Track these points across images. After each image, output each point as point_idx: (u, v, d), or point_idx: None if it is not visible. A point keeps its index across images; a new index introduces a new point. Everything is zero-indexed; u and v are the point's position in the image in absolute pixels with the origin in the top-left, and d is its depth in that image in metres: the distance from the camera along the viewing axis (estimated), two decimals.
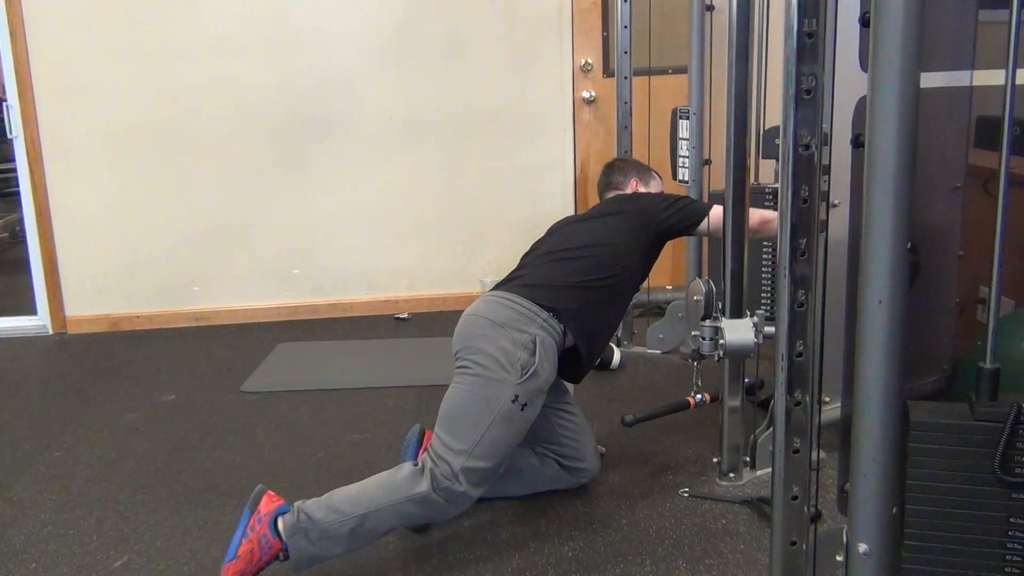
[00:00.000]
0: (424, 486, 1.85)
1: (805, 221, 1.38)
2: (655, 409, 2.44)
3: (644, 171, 2.60)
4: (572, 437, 2.20)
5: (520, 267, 2.21)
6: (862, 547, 1.32)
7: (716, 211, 2.22)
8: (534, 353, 1.94)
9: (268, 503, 1.84)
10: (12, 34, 3.65)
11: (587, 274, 2.10)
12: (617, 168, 2.60)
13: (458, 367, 1.99)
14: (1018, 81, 1.29)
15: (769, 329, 1.67)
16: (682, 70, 3.16)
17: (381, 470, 1.94)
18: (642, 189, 2.52)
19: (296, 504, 1.85)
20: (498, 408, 1.90)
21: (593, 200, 4.02)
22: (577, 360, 2.11)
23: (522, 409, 1.92)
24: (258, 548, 1.79)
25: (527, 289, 2.05)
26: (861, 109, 1.75)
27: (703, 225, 2.24)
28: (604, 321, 2.16)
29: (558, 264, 2.14)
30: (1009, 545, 1.42)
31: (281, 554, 1.81)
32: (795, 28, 1.33)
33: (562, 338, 2.03)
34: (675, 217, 2.26)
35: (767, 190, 2.79)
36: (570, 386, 2.33)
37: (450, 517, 1.99)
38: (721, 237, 2.14)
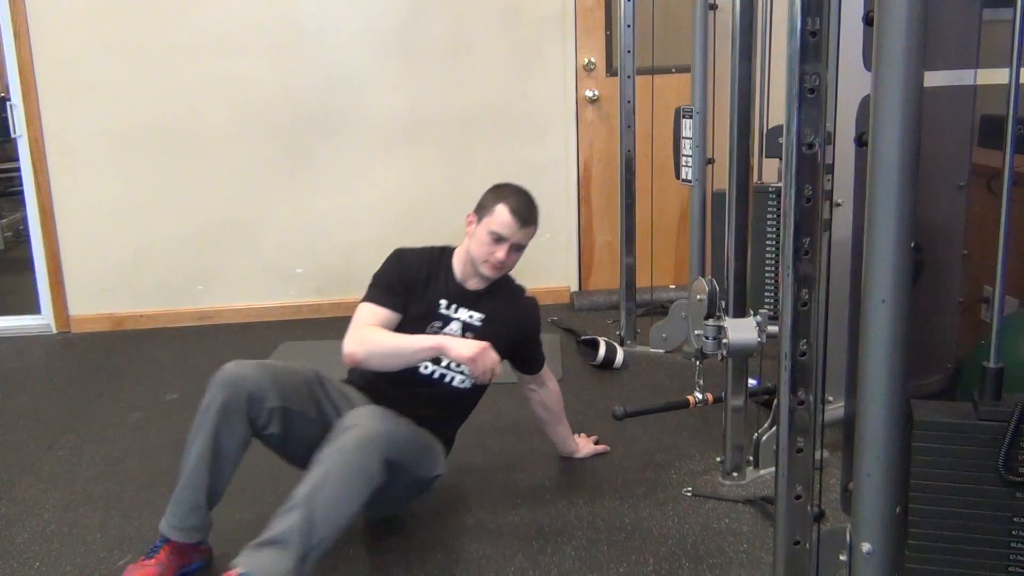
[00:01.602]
0: None
1: (808, 220, 1.38)
2: (648, 405, 2.42)
3: (483, 205, 2.24)
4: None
5: None
6: (866, 546, 1.32)
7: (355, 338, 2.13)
8: None
9: None
10: (16, 33, 3.65)
11: None
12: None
13: None
14: (1022, 80, 1.29)
15: (772, 328, 1.67)
16: (685, 69, 3.16)
17: None
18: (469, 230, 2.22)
19: None
20: None
21: (595, 198, 4.04)
22: None
23: None
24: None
25: None
26: (865, 108, 1.75)
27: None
28: None
29: None
30: (1013, 544, 1.42)
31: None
32: (798, 27, 1.33)
33: None
34: None
35: (770, 189, 2.79)
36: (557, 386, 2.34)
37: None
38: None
